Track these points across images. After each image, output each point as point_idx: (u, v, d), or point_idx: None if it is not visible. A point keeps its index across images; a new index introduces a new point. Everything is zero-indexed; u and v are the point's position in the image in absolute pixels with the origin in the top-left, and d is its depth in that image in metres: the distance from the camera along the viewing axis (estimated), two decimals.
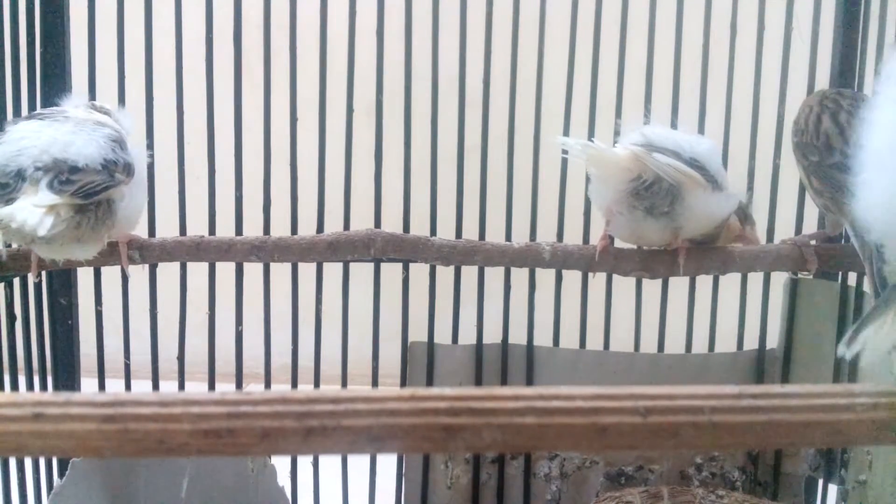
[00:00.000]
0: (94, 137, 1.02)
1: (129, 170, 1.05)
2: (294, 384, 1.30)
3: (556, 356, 1.32)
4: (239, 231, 1.25)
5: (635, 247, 1.23)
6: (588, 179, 1.21)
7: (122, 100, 1.21)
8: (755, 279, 1.29)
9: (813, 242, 1.20)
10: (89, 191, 0.98)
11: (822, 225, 1.29)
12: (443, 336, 1.31)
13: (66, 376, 1.28)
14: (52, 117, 1.04)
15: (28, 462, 1.19)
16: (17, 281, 1.17)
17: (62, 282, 1.25)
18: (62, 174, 0.97)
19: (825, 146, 1.13)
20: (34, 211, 0.91)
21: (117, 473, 1.20)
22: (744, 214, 1.22)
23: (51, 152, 0.98)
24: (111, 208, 1.03)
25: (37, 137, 0.99)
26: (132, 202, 1.07)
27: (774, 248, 1.22)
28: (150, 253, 1.16)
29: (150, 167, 1.21)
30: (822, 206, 1.16)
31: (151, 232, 1.23)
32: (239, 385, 1.31)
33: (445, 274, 1.28)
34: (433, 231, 1.26)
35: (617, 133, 1.26)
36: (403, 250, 1.21)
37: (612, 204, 1.15)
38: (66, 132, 1.01)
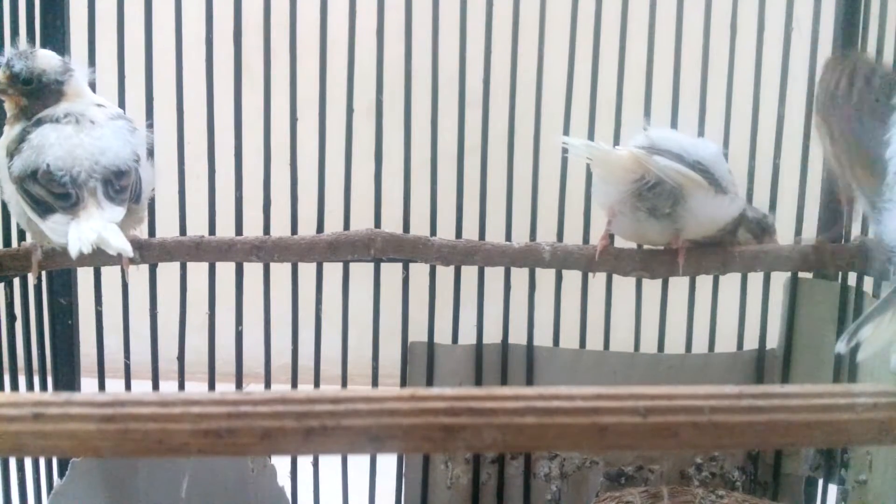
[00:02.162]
0: (123, 137, 1.05)
1: (149, 156, 1.11)
2: (294, 384, 1.30)
3: (556, 356, 1.32)
4: (239, 231, 1.25)
5: (635, 246, 1.23)
6: (590, 179, 1.21)
7: (122, 100, 1.21)
8: (755, 279, 1.29)
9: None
10: (137, 193, 1.05)
11: (823, 224, 1.29)
12: (443, 336, 1.31)
13: (66, 376, 1.28)
14: (73, 122, 1.05)
15: (28, 462, 1.19)
16: (17, 281, 1.17)
17: (62, 282, 1.25)
18: (112, 182, 1.01)
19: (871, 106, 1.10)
20: (120, 235, 0.94)
21: (117, 473, 1.20)
22: (760, 228, 1.21)
23: (100, 161, 1.01)
24: (139, 199, 1.09)
25: (79, 144, 1.01)
26: (149, 186, 1.12)
27: (774, 248, 1.22)
28: (150, 253, 1.16)
29: None
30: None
31: (151, 232, 1.23)
32: (239, 385, 1.31)
33: (445, 274, 1.28)
34: (433, 231, 1.26)
35: (617, 133, 1.26)
36: (403, 250, 1.21)
37: (615, 203, 1.15)
38: (102, 137, 1.04)
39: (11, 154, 1.02)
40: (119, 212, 0.99)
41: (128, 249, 0.94)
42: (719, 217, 1.16)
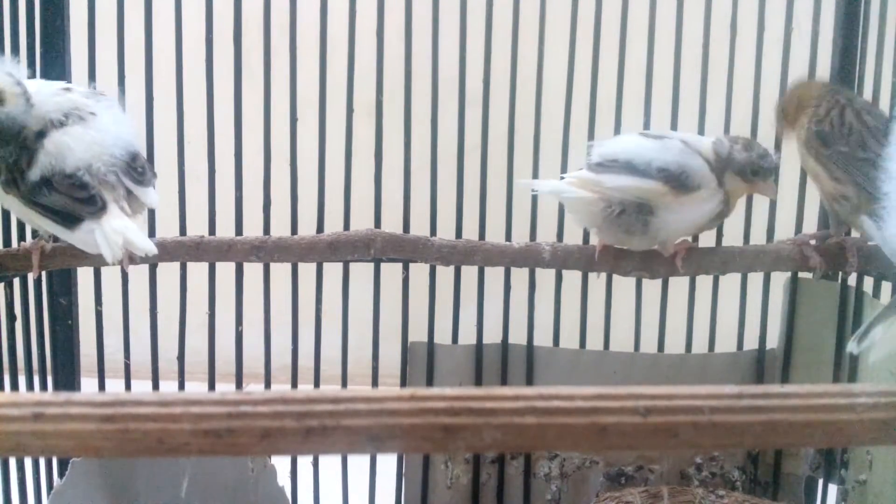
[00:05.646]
0: (115, 115, 1.03)
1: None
2: (294, 384, 1.30)
3: (556, 356, 1.32)
4: (239, 231, 1.25)
5: None
6: None
7: (121, 100, 1.21)
8: (755, 279, 1.29)
9: (813, 242, 1.20)
10: (151, 167, 1.04)
11: (824, 224, 1.29)
12: (443, 336, 1.31)
13: (66, 376, 1.28)
14: (78, 119, 1.00)
15: (28, 462, 1.19)
16: (17, 281, 1.17)
17: (62, 282, 1.25)
18: (133, 167, 1.00)
19: (858, 141, 1.11)
20: (143, 236, 0.95)
21: (117, 473, 1.20)
22: (750, 170, 1.14)
23: (115, 153, 0.99)
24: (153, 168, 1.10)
25: (93, 142, 0.98)
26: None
27: (774, 248, 1.22)
28: None
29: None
30: (837, 195, 1.13)
31: (151, 232, 1.23)
32: (239, 385, 1.31)
33: (445, 274, 1.28)
34: (433, 231, 1.26)
35: (617, 133, 1.26)
36: (403, 250, 1.21)
37: (591, 228, 1.17)
38: (106, 127, 1.00)
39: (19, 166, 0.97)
40: (152, 193, 1.00)
41: (152, 248, 0.94)
42: (697, 218, 1.14)
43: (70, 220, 0.95)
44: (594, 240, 1.23)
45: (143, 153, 1.05)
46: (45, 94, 1.01)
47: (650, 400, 0.49)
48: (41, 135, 0.98)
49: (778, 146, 1.28)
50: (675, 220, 1.12)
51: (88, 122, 1.00)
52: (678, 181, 1.10)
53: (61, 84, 1.05)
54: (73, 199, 0.95)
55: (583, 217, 1.17)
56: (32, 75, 1.18)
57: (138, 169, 1.00)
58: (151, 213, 1.22)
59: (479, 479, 1.33)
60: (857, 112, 1.13)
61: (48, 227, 0.99)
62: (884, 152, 1.07)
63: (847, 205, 1.13)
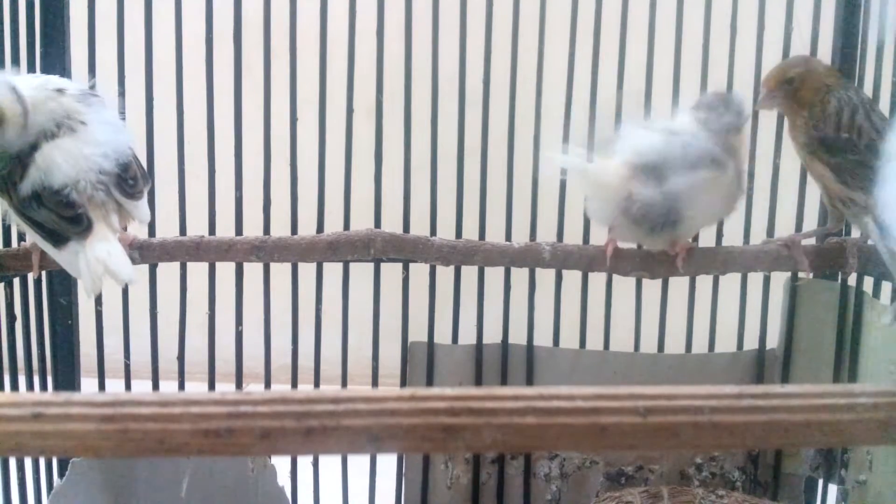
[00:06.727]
0: (108, 122, 1.01)
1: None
2: (294, 384, 1.30)
3: (556, 356, 1.32)
4: (239, 231, 1.25)
5: (635, 246, 1.23)
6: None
7: (121, 101, 1.21)
8: (755, 279, 1.29)
9: (807, 241, 1.19)
10: (144, 175, 1.02)
11: (824, 221, 1.29)
12: (443, 336, 1.31)
13: (66, 376, 1.28)
14: (69, 130, 0.98)
15: (28, 462, 1.19)
16: (17, 281, 1.17)
17: (62, 282, 1.25)
18: (124, 179, 0.98)
19: (869, 145, 1.08)
20: (126, 263, 0.93)
21: (117, 473, 1.20)
22: (742, 122, 1.14)
23: (105, 166, 0.97)
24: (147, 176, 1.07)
25: (80, 156, 0.96)
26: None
27: (775, 248, 1.22)
28: (150, 253, 1.16)
29: (151, 167, 1.21)
30: (844, 198, 1.12)
31: (151, 232, 1.23)
32: (239, 385, 1.31)
33: (445, 274, 1.28)
34: (433, 231, 1.26)
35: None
36: (403, 250, 1.21)
37: (610, 219, 1.14)
38: (97, 138, 0.98)
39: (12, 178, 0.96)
40: (143, 206, 0.99)
41: (133, 278, 0.92)
42: (720, 200, 1.12)
43: (57, 238, 0.95)
44: (594, 240, 1.23)
45: (138, 158, 1.03)
46: (40, 98, 0.98)
47: (650, 400, 0.49)
48: (34, 147, 0.96)
49: (777, 150, 1.28)
50: (701, 217, 1.11)
51: (79, 132, 0.98)
52: (718, 164, 1.09)
53: (55, 84, 1.02)
54: (60, 217, 0.94)
55: (599, 201, 1.13)
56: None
57: (129, 181, 0.98)
58: (152, 212, 1.22)
59: (479, 479, 1.33)
60: (867, 112, 1.11)
61: (38, 242, 0.98)
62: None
63: (855, 208, 1.11)
